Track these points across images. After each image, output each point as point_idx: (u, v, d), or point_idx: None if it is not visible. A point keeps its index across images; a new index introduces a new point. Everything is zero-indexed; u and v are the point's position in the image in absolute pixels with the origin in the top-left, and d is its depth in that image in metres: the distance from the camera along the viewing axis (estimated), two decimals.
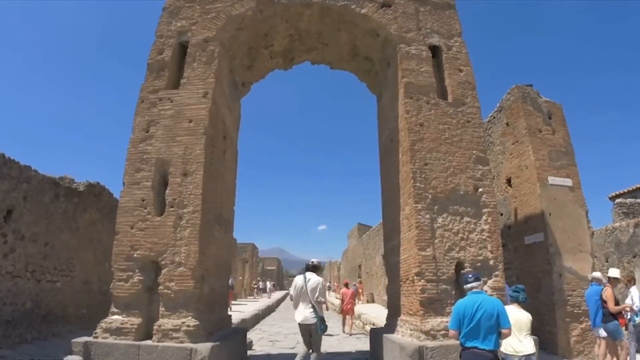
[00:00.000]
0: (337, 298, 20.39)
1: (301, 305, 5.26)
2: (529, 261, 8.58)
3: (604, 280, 6.65)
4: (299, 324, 5.28)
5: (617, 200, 14.85)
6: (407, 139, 6.45)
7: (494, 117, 10.25)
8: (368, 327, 11.48)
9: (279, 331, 11.77)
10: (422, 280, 5.60)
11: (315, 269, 5.64)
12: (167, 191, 6.02)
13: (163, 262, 5.64)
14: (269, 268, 60.23)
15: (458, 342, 3.96)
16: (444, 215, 6.09)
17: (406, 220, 6.31)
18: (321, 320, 5.19)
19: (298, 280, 5.46)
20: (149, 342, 5.31)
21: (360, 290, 19.76)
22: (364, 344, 9.20)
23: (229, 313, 7.83)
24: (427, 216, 5.94)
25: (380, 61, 8.11)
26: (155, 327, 5.36)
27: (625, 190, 15.99)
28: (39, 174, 7.23)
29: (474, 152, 6.61)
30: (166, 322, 5.37)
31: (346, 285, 13.38)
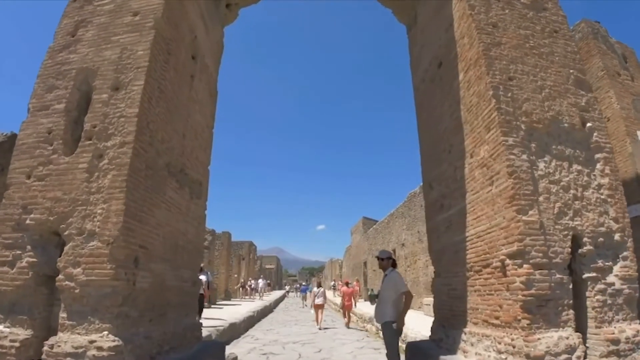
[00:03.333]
0: (338, 295, 21.08)
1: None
2: None
3: None
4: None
5: None
6: (476, 44, 4.10)
7: None
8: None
9: (275, 339, 9.35)
10: (525, 266, 3.21)
11: (391, 262, 4.45)
12: (86, 116, 3.62)
13: (67, 233, 3.22)
14: (267, 267, 58.15)
15: None
16: (545, 159, 3.71)
17: (482, 170, 3.92)
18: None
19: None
20: None
21: (357, 289, 19.97)
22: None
23: (200, 320, 5.42)
24: (524, 157, 3.56)
25: None
26: (45, 349, 2.95)
27: None
28: None
29: (572, 71, 4.43)
30: (65, 338, 2.94)
31: (347, 284, 13.69)
